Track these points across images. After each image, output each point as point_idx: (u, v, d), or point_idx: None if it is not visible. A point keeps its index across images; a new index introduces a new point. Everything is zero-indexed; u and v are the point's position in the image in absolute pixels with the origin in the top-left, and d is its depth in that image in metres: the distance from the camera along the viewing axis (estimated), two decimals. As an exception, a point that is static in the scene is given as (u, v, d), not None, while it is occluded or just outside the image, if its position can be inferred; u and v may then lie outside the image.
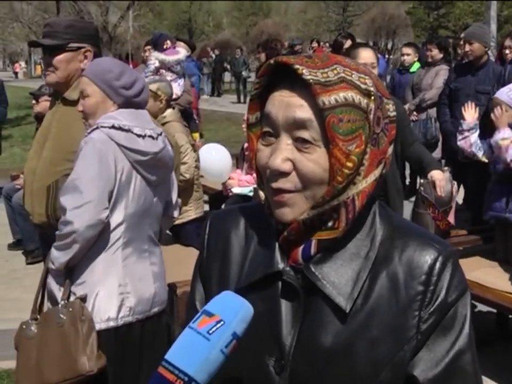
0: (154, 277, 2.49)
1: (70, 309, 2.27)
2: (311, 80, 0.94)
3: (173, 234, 4.61)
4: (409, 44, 8.74)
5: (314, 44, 15.48)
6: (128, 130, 2.34)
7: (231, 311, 0.88)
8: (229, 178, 5.34)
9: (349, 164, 0.96)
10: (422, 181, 3.74)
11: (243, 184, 5.24)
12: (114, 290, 2.34)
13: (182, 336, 0.87)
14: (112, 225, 2.33)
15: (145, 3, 36.79)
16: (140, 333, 2.42)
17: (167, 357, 0.85)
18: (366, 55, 3.58)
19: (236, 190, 5.22)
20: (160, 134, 2.49)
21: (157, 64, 6.87)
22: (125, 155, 2.32)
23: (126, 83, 2.40)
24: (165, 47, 7.05)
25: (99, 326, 2.29)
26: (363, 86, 0.98)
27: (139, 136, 2.36)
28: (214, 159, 4.96)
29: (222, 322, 0.86)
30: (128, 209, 2.35)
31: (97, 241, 2.31)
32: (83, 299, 2.30)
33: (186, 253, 3.99)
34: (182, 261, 3.58)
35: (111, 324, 2.32)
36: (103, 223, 2.26)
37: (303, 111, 0.96)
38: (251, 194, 5.11)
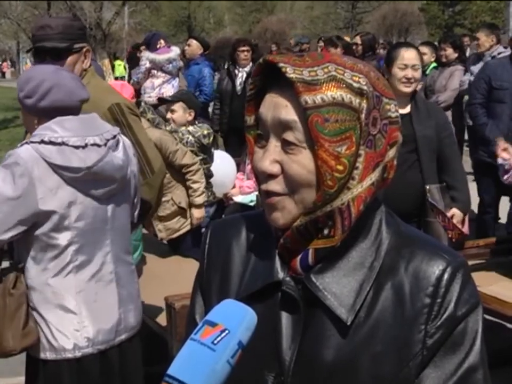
0: (120, 301, 2.41)
1: (4, 279, 2.28)
2: (294, 78, 0.96)
3: (172, 244, 4.62)
4: (426, 43, 8.76)
5: (321, 43, 15.44)
6: (61, 144, 2.22)
7: (234, 319, 0.89)
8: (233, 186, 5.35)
9: (340, 167, 0.97)
10: (427, 187, 3.54)
11: (244, 190, 5.28)
12: (67, 320, 2.30)
13: (184, 349, 0.87)
14: (60, 248, 2.28)
15: (141, -2, 36.89)
16: (104, 364, 2.37)
17: (170, 372, 0.85)
18: (408, 56, 3.53)
19: (237, 198, 5.26)
20: (114, 138, 2.37)
21: (148, 65, 6.83)
22: (56, 173, 2.23)
23: (28, 91, 2.29)
24: (158, 46, 7.01)
25: (54, 356, 2.29)
26: (355, 85, 0.98)
27: (77, 147, 2.24)
28: (218, 167, 4.92)
29: (226, 332, 0.86)
30: (73, 230, 2.28)
31: (48, 266, 2.28)
32: (20, 269, 2.29)
33: (186, 265, 4.01)
34: (181, 273, 3.61)
35: (68, 355, 2.29)
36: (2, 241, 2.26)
37: (287, 112, 0.98)
38: (252, 204, 5.15)
